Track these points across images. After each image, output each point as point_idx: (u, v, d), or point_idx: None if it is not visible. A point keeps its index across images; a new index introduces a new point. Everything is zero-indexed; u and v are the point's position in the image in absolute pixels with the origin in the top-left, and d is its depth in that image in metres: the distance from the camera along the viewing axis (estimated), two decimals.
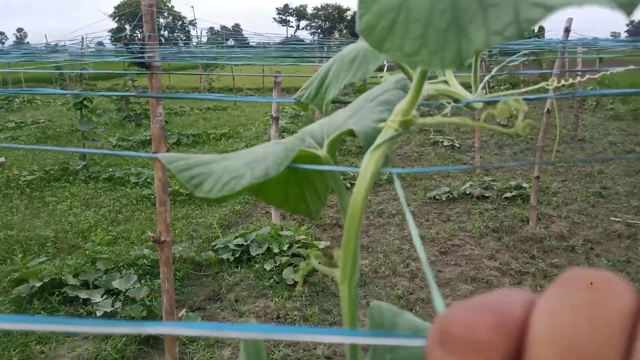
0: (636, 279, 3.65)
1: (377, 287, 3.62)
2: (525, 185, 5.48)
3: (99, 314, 3.16)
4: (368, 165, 0.38)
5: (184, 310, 3.05)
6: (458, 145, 7.86)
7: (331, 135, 0.43)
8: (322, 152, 0.44)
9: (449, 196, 5.37)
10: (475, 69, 0.59)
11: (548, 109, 4.22)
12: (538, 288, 3.54)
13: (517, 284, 3.64)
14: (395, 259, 4.04)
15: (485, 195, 5.39)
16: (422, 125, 0.41)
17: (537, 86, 0.55)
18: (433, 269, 3.86)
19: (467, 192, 5.42)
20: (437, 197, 5.37)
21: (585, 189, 5.67)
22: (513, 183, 5.57)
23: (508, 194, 5.33)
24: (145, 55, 1.95)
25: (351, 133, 0.41)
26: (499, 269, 3.85)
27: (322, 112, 0.58)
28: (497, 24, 0.26)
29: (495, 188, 5.51)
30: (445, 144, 7.88)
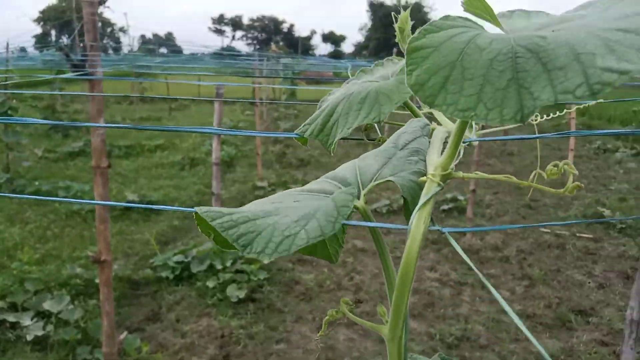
0: (566, 287, 3.85)
1: (322, 301, 3.61)
2: (460, 197, 5.67)
3: (29, 337, 2.94)
4: (418, 225, 0.36)
5: (125, 332, 2.90)
6: None
7: (367, 185, 0.41)
8: (360, 204, 0.43)
9: (389, 209, 5.46)
10: None
11: (483, 126, 4.39)
12: (477, 298, 3.66)
13: (457, 294, 3.75)
14: (340, 272, 4.04)
15: None
16: (463, 179, 0.40)
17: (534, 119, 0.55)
18: (376, 281, 3.90)
19: None
20: (378, 209, 5.45)
21: (516, 202, 5.95)
22: (449, 196, 5.75)
23: (445, 206, 5.49)
24: (87, 64, 1.84)
25: (393, 183, 0.40)
26: (439, 279, 3.95)
27: (328, 149, 0.56)
28: (566, 83, 0.27)
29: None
30: None
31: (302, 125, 0.65)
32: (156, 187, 6.52)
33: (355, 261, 4.25)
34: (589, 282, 3.94)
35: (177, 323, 3.31)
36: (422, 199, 0.36)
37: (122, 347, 2.67)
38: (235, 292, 3.54)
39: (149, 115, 13.13)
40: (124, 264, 4.13)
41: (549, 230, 4.99)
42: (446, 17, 0.37)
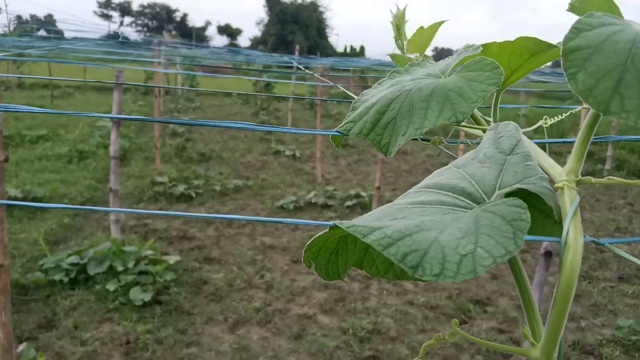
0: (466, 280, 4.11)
1: (233, 301, 3.52)
2: (363, 194, 5.84)
3: None
4: (576, 236, 0.33)
5: (24, 343, 2.60)
6: (299, 155, 8.09)
7: (493, 194, 0.38)
8: None
9: (295, 205, 5.48)
10: (495, 104, 0.59)
11: None
12: (384, 292, 3.78)
13: (365, 288, 3.85)
14: (250, 270, 3.97)
15: (329, 204, 5.61)
16: (595, 184, 0.38)
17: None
18: (287, 278, 3.89)
19: (313, 201, 5.59)
20: (284, 206, 5.44)
21: None
22: (353, 192, 5.90)
23: (349, 202, 5.62)
24: None
25: (521, 192, 0.37)
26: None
27: (386, 153, 0.52)
28: None
29: (337, 197, 5.78)
30: (287, 153, 8.05)
31: (344, 122, 0.60)
32: (41, 182, 5.96)
33: (265, 258, 4.21)
34: (483, 273, 4.25)
35: (75, 330, 3.04)
36: (572, 208, 0.34)
37: None
38: (139, 295, 3.33)
39: (28, 103, 11.97)
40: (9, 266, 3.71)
41: None
42: (591, 15, 0.35)
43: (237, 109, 13.45)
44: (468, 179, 0.40)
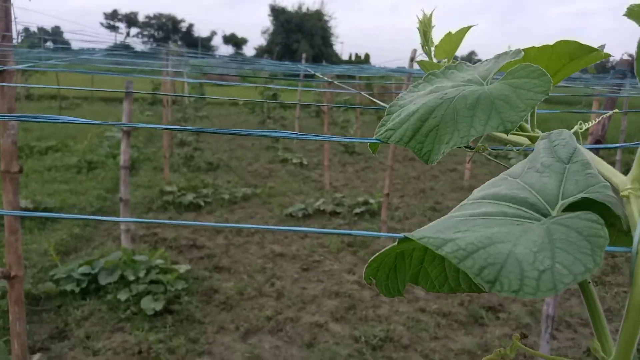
0: None
1: (244, 310, 3.51)
2: (371, 201, 5.83)
3: None
4: None
5: (38, 354, 2.61)
6: (306, 163, 8.09)
7: (556, 205, 0.37)
8: None
9: (304, 213, 5.47)
10: (533, 110, 0.58)
11: None
12: (396, 299, 3.76)
13: (376, 295, 3.83)
14: (260, 278, 3.97)
15: (337, 211, 5.61)
16: None
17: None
18: (297, 286, 3.88)
19: (321, 209, 5.58)
20: (293, 214, 5.44)
21: (422, 204, 6.23)
22: (361, 199, 5.89)
23: (357, 210, 5.61)
24: None
25: (586, 202, 0.36)
26: (358, 282, 4.01)
27: (427, 161, 0.51)
28: None
29: (345, 204, 5.77)
30: (294, 161, 8.06)
31: (384, 130, 0.60)
32: (50, 192, 5.99)
33: (275, 266, 4.20)
34: None
35: (87, 340, 3.04)
36: None
37: None
38: (151, 305, 3.33)
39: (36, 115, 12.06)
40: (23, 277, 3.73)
41: None
42: None
43: (244, 117, 13.50)
44: (528, 189, 0.38)
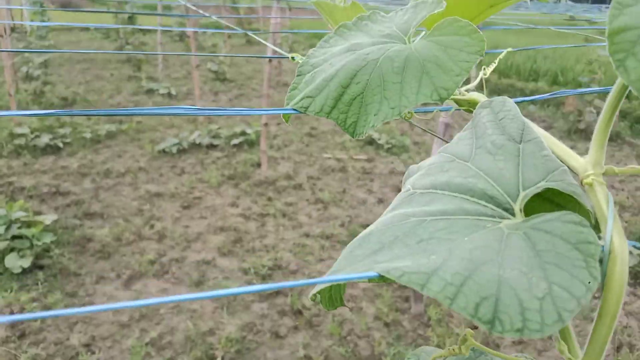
0: (353, 205, 4.28)
1: (124, 256, 3.34)
2: (249, 131, 5.72)
3: None
4: (622, 242, 0.29)
5: None
6: (175, 93, 7.64)
7: (518, 197, 0.32)
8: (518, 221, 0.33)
9: (179, 148, 5.23)
10: None
11: (270, 59, 4.41)
12: (281, 227, 3.82)
13: (261, 226, 3.85)
14: (138, 221, 3.77)
15: (214, 144, 5.44)
16: (618, 173, 0.34)
17: None
18: (179, 225, 3.76)
19: (197, 142, 5.37)
20: (166, 149, 5.17)
21: (299, 130, 6.26)
22: (238, 130, 5.75)
23: (235, 141, 5.49)
24: None
25: (548, 191, 0.32)
26: (242, 215, 3.99)
27: (353, 133, 0.45)
28: None
29: (222, 136, 5.60)
30: (161, 92, 7.56)
31: (299, 98, 0.51)
32: None
33: (153, 207, 4.01)
34: (370, 198, 4.45)
35: None
36: (610, 209, 0.30)
37: None
38: (17, 262, 3.02)
39: None
40: None
41: (330, 156, 5.42)
42: None
43: (98, 44, 12.23)
44: (484, 177, 0.35)
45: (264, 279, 3.17)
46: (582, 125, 6.30)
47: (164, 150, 5.17)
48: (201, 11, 3.78)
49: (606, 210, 0.31)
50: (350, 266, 0.32)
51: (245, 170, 4.82)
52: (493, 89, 9.14)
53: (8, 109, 6.03)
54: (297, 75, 0.55)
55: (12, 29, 9.24)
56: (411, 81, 0.43)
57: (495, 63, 0.65)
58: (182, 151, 5.23)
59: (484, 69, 0.61)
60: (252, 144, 5.56)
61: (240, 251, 3.47)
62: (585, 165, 0.36)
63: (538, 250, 0.27)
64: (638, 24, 0.28)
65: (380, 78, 0.45)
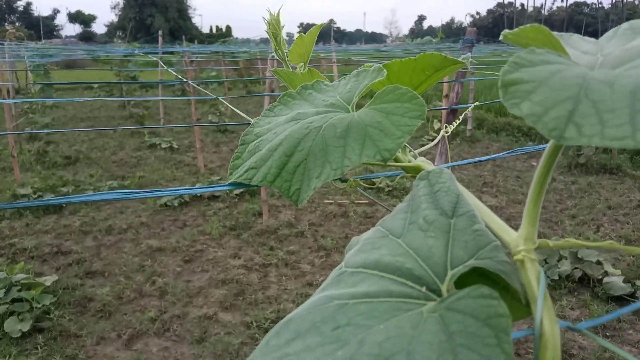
0: None
1: (125, 314, 3.29)
2: None
3: None
4: (552, 325, 0.28)
5: None
6: (177, 147, 7.74)
7: (445, 277, 0.32)
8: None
9: (180, 201, 5.24)
10: None
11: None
12: (283, 277, 3.78)
13: (263, 277, 3.81)
14: (139, 278, 3.74)
15: (216, 195, 5.46)
16: (555, 247, 0.34)
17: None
18: (181, 280, 3.72)
19: (198, 195, 5.39)
20: (168, 203, 5.18)
21: None
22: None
23: (237, 191, 5.51)
24: None
25: (476, 271, 0.31)
26: (244, 266, 3.96)
27: (296, 201, 0.45)
28: None
29: None
30: (163, 146, 7.66)
31: (243, 170, 0.52)
32: None
33: (154, 263, 3.98)
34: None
35: None
36: (540, 289, 0.30)
37: None
38: (16, 326, 2.98)
39: None
40: None
41: (332, 202, 5.41)
42: (532, 51, 0.32)
43: (101, 102, 12.50)
44: (413, 255, 0.34)
45: (267, 332, 3.10)
46: (581, 160, 6.30)
47: (165, 204, 5.18)
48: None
49: (536, 290, 0.31)
50: (261, 358, 0.31)
51: (247, 220, 4.82)
52: (490, 127, 9.21)
53: (11, 169, 6.11)
54: (241, 145, 0.56)
55: (17, 91, 9.47)
56: (354, 144, 0.44)
57: (457, 121, 0.65)
58: (183, 204, 5.24)
59: (446, 126, 0.61)
60: (253, 193, 5.57)
61: (242, 304, 3.42)
62: (517, 240, 0.35)
63: (451, 332, 0.26)
64: (533, 79, 0.30)
65: (323, 143, 0.46)
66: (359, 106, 0.51)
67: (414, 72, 0.53)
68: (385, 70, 0.51)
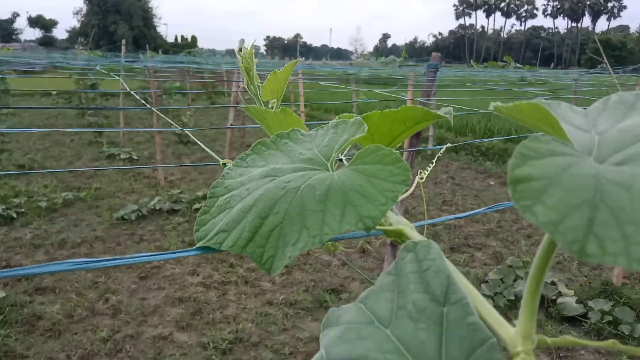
0: (317, 269, 4.21)
1: (75, 334, 3.16)
2: None
3: None
4: None
5: None
6: (137, 158, 7.56)
7: None
8: None
9: (138, 214, 5.10)
10: None
11: (232, 124, 4.45)
12: (243, 295, 3.71)
13: (222, 295, 3.73)
14: (92, 295, 3.60)
15: (175, 208, 5.34)
16: (553, 345, 0.32)
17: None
18: (136, 298, 3.61)
19: (157, 208, 5.26)
20: (125, 217, 5.03)
21: None
22: (200, 193, 5.69)
23: (197, 205, 5.41)
24: None
25: None
26: (202, 283, 3.87)
27: (269, 270, 0.42)
28: None
29: (184, 200, 5.52)
30: (122, 156, 7.48)
31: (213, 231, 0.49)
32: None
33: (108, 280, 3.85)
34: (334, 261, 4.40)
35: None
36: None
37: None
38: None
39: None
40: None
41: None
42: (537, 139, 0.31)
43: (59, 110, 12.14)
44: (404, 354, 0.31)
45: (224, 353, 3.03)
46: None
47: (122, 218, 5.04)
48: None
49: None
50: None
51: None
52: (450, 147, 9.40)
53: None
54: (210, 198, 0.53)
55: None
56: (334, 210, 0.41)
57: (432, 165, 0.64)
58: (141, 217, 5.11)
59: (421, 172, 0.60)
60: None
61: (199, 324, 3.33)
62: (514, 338, 0.33)
63: None
64: (543, 176, 0.28)
65: (301, 206, 0.43)
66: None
67: (394, 123, 0.52)
68: (365, 125, 0.49)
